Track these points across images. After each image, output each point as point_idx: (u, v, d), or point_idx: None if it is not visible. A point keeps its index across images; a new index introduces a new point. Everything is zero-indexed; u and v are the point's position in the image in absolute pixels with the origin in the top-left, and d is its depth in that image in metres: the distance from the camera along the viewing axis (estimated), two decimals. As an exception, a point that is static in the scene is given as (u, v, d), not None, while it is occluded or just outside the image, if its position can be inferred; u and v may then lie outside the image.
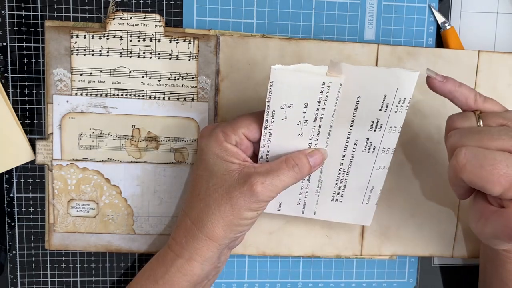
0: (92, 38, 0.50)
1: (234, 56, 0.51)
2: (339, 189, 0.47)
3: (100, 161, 0.52)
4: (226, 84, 0.51)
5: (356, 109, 0.42)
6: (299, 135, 0.44)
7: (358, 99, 0.42)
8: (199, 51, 0.51)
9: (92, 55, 0.50)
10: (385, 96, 0.41)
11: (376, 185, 0.47)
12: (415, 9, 0.53)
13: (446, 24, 0.53)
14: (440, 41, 0.53)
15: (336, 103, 0.42)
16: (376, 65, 0.52)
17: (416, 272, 0.57)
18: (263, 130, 0.44)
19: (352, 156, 0.45)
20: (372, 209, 0.49)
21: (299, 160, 0.43)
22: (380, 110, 0.42)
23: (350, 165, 0.46)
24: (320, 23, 0.52)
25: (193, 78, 0.51)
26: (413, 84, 0.41)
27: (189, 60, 0.51)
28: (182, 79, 0.51)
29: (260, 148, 0.45)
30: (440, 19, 0.53)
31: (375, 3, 0.53)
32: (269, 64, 0.50)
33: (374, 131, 0.43)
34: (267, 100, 0.42)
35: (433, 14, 0.53)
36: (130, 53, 0.50)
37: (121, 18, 0.50)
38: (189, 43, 0.51)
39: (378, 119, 0.43)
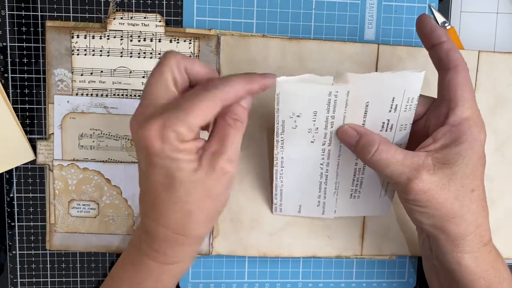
0: (93, 38, 0.50)
1: (234, 56, 0.51)
2: (356, 186, 0.48)
3: (100, 161, 0.52)
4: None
5: (366, 113, 0.43)
6: (312, 142, 0.44)
7: (367, 104, 0.42)
8: (199, 51, 0.51)
9: (93, 55, 0.50)
10: (393, 98, 0.42)
11: None
12: (415, 9, 0.53)
13: (446, 24, 0.53)
14: (440, 41, 0.53)
15: (346, 110, 0.42)
16: (376, 65, 0.52)
17: (416, 272, 0.57)
18: (275, 138, 0.44)
19: None
20: (390, 200, 0.50)
21: (239, 115, 0.39)
22: (390, 111, 0.43)
23: (365, 164, 0.46)
24: (320, 23, 0.52)
25: (193, 78, 0.51)
26: (420, 84, 0.41)
27: (190, 60, 0.51)
28: (182, 79, 0.51)
29: (274, 155, 0.45)
30: (440, 19, 0.53)
31: (375, 3, 0.53)
32: (270, 64, 0.50)
33: (386, 131, 0.44)
34: (275, 110, 0.42)
35: (433, 14, 0.53)
36: (131, 53, 0.50)
37: (121, 18, 0.50)
38: (190, 43, 0.51)
39: (388, 120, 0.43)
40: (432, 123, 0.43)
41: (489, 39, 0.54)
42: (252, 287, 0.56)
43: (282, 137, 0.44)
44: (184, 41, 0.50)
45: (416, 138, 0.45)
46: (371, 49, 0.52)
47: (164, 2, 0.51)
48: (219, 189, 0.39)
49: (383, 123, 0.43)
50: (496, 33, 0.54)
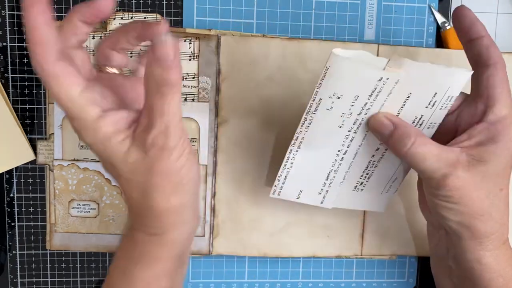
0: (93, 38, 0.50)
1: (235, 56, 0.51)
2: (363, 179, 0.47)
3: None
4: (227, 84, 0.51)
5: (404, 104, 0.42)
6: (339, 127, 0.42)
7: (409, 95, 0.41)
8: (199, 51, 0.51)
9: (93, 55, 0.50)
10: (435, 93, 0.41)
11: (399, 176, 0.47)
12: (415, 9, 0.53)
13: (446, 24, 0.53)
14: (440, 41, 0.53)
15: (387, 98, 0.41)
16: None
17: (416, 272, 0.57)
18: (303, 115, 0.41)
19: (386, 150, 0.44)
20: (390, 197, 0.49)
21: (159, 76, 0.34)
22: (427, 106, 0.42)
23: (381, 158, 0.45)
24: (320, 23, 0.52)
25: (193, 78, 0.51)
26: (464, 83, 0.41)
27: (190, 60, 0.51)
28: (182, 79, 0.51)
29: (295, 134, 0.43)
30: (440, 19, 0.53)
31: (375, 3, 0.53)
32: (270, 64, 0.50)
33: (415, 126, 0.43)
34: (317, 85, 0.39)
35: (433, 14, 0.53)
36: (131, 53, 0.50)
37: (121, 18, 0.50)
38: (190, 43, 0.51)
39: (422, 115, 0.42)
40: (464, 119, 0.43)
41: (489, 39, 0.54)
42: (252, 287, 0.56)
43: (311, 117, 0.41)
44: (184, 41, 0.50)
45: (444, 132, 0.44)
46: (371, 49, 0.52)
47: (164, 2, 0.51)
48: (165, 166, 0.36)
49: (416, 117, 0.42)
50: (496, 33, 0.54)
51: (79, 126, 0.35)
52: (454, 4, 0.53)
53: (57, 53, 0.33)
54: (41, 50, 0.32)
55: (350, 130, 0.43)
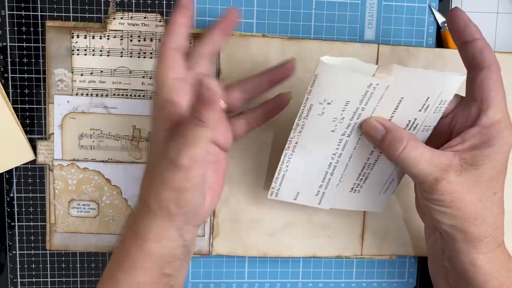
0: (93, 38, 0.50)
1: (235, 56, 0.51)
2: (360, 181, 0.47)
3: (100, 161, 0.52)
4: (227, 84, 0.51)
5: (396, 109, 0.42)
6: (332, 131, 0.43)
7: (401, 100, 0.41)
8: (199, 51, 0.51)
9: (93, 55, 0.50)
10: (428, 98, 0.41)
11: (396, 178, 0.47)
12: (415, 9, 0.53)
13: (446, 24, 0.53)
14: (440, 41, 0.53)
15: (378, 103, 0.41)
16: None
17: (416, 272, 0.57)
18: (296, 120, 0.42)
19: (381, 153, 0.45)
20: (387, 198, 0.49)
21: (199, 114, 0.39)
22: (420, 110, 0.42)
23: (376, 160, 0.45)
24: (320, 23, 0.52)
25: (193, 78, 0.51)
26: (457, 87, 0.41)
27: (190, 60, 0.51)
28: (182, 79, 0.51)
29: (289, 138, 0.44)
30: (440, 19, 0.53)
31: (375, 3, 0.53)
32: (270, 64, 0.50)
33: (409, 130, 0.43)
34: (307, 92, 0.40)
35: (433, 14, 0.53)
36: (131, 53, 0.50)
37: (121, 18, 0.50)
38: (190, 43, 0.51)
39: (415, 119, 0.43)
40: (459, 122, 0.42)
41: (489, 39, 0.54)
42: (252, 287, 0.56)
43: (303, 122, 0.42)
44: (184, 41, 0.50)
45: (438, 135, 0.44)
46: (371, 49, 0.52)
47: (164, 2, 0.51)
48: (169, 179, 0.40)
49: (409, 121, 0.43)
50: (496, 33, 0.54)
51: (155, 100, 0.43)
52: (454, 4, 0.53)
53: (176, 45, 0.43)
54: (167, 38, 0.43)
55: (343, 134, 0.43)
